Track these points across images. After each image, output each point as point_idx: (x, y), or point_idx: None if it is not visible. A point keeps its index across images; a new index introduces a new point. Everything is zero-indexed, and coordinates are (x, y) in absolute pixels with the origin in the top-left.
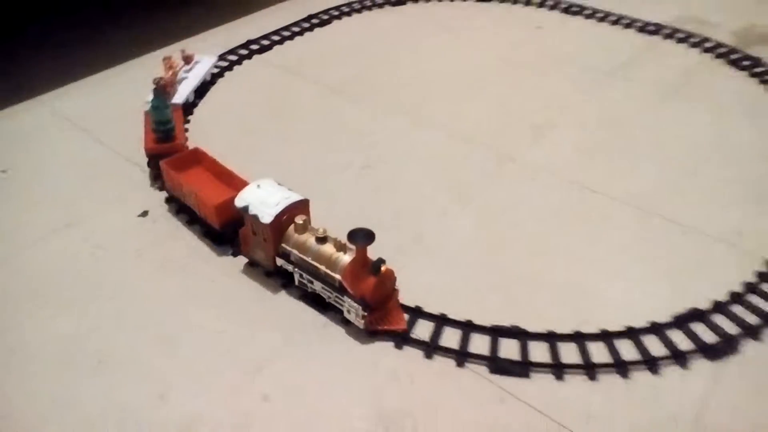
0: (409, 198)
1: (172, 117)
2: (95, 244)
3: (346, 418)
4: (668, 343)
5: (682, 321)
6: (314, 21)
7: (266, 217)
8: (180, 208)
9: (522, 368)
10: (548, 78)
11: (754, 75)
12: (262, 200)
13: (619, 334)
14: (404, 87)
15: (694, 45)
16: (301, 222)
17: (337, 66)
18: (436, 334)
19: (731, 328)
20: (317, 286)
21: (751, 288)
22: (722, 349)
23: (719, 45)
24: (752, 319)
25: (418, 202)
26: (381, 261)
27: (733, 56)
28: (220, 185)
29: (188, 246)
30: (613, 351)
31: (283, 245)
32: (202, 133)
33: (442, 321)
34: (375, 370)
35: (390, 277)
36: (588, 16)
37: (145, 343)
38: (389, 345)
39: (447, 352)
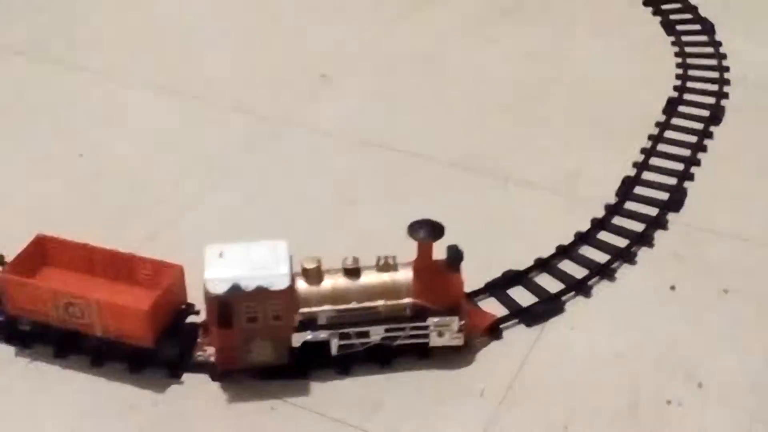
0: (155, 184)
1: None
2: None
3: None
4: None
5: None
6: None
7: (281, 280)
8: (40, 334)
9: None
10: (341, 7)
11: None
12: (254, 265)
13: None
14: (134, 44)
15: None
16: (313, 266)
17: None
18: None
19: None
20: (376, 335)
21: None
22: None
23: None
24: None
25: (164, 188)
26: (457, 249)
27: None
28: (118, 281)
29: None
30: None
31: (303, 310)
32: None
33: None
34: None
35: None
36: None
37: None
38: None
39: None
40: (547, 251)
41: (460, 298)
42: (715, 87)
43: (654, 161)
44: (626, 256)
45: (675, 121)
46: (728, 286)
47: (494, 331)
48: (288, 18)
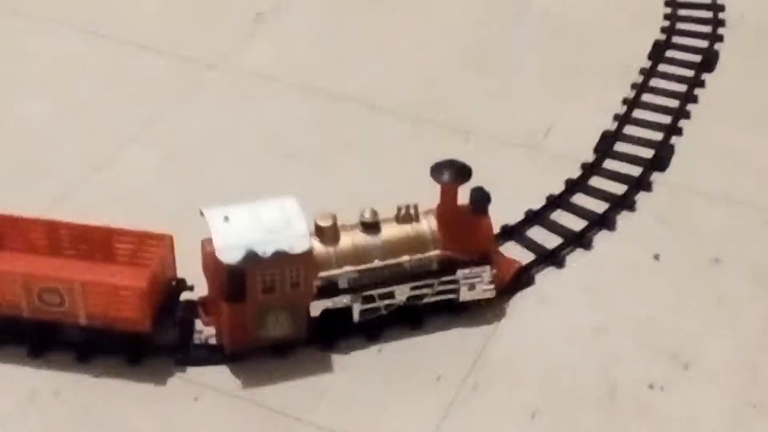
0: (61, 139)
1: None
2: None
3: None
4: None
5: None
6: None
7: (300, 242)
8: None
9: None
10: None
11: None
12: (267, 227)
13: None
14: None
15: None
16: (328, 224)
17: None
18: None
19: None
20: (402, 294)
21: None
22: None
23: None
24: None
25: (71, 143)
26: (483, 191)
27: None
28: (91, 260)
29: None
30: None
31: (323, 274)
32: None
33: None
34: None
35: None
36: None
37: None
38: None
39: None
40: (515, 217)
41: (491, 245)
42: (708, 28)
43: (637, 113)
44: (605, 221)
45: (662, 67)
46: (719, 255)
47: (521, 279)
48: None
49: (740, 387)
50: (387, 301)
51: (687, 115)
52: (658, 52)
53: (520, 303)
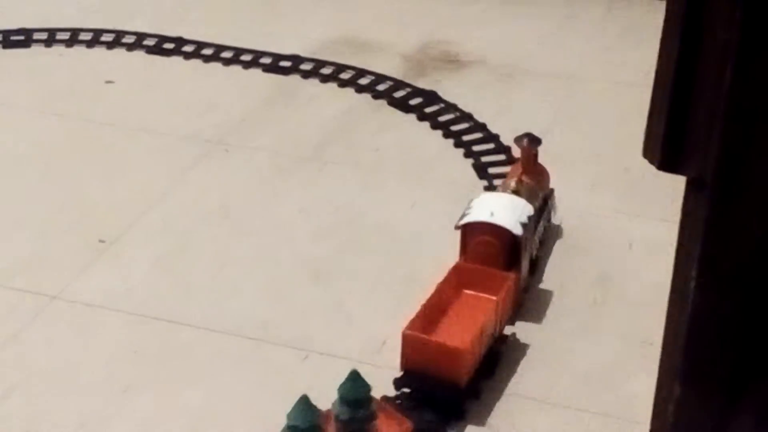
0: None
1: None
2: None
3: None
4: None
5: None
6: None
7: (530, 207)
8: None
9: None
10: (124, 159)
11: (425, 118)
12: (510, 207)
13: None
14: None
15: (346, 83)
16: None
17: None
18: None
19: None
20: (542, 227)
21: None
22: None
23: (381, 79)
24: None
25: None
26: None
27: (399, 93)
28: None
29: None
30: None
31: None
32: None
33: None
34: None
35: None
36: (188, 56)
37: None
38: None
39: None
40: None
41: (547, 175)
42: None
43: None
44: (436, 430)
45: None
46: None
47: None
48: (60, 177)
49: None
50: (539, 237)
51: (512, 321)
52: None
53: None
